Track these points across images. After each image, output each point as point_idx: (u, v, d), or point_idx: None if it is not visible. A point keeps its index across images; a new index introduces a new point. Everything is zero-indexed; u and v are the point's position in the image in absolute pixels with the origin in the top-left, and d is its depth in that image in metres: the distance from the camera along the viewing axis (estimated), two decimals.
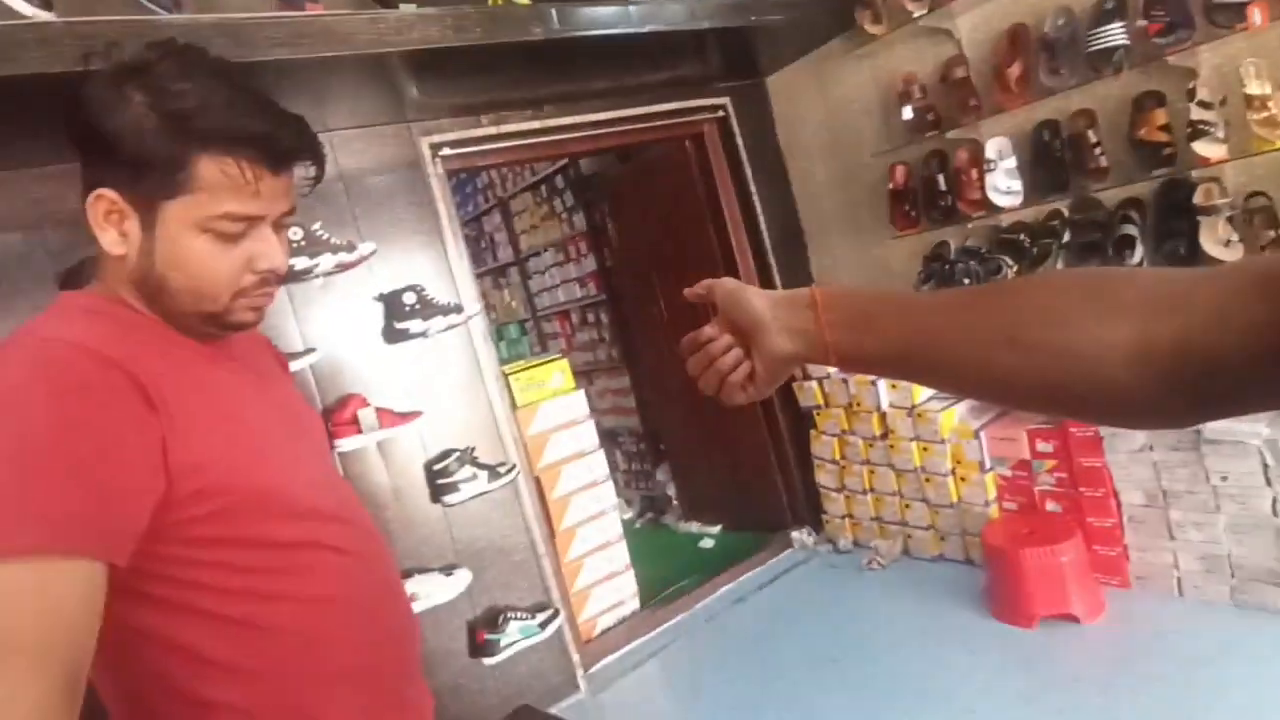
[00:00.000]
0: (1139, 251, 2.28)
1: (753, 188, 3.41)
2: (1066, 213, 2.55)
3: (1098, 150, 2.39)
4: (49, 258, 2.03)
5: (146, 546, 0.68)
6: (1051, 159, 2.49)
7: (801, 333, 0.67)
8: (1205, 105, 2.11)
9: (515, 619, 2.55)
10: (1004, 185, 2.56)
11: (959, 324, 0.58)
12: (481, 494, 2.53)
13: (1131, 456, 2.37)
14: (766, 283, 3.48)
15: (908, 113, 2.80)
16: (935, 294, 0.66)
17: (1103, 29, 2.22)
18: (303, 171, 0.83)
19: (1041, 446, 2.61)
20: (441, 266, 2.63)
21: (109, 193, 0.75)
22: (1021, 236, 2.61)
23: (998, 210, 2.61)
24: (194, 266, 0.76)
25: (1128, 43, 2.21)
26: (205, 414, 0.74)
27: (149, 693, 0.74)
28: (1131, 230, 2.31)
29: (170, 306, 0.79)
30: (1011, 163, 2.57)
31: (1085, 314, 0.51)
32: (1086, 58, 2.30)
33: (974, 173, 2.67)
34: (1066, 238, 2.52)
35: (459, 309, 2.56)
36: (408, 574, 2.41)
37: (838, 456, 3.28)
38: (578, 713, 2.62)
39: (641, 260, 4.00)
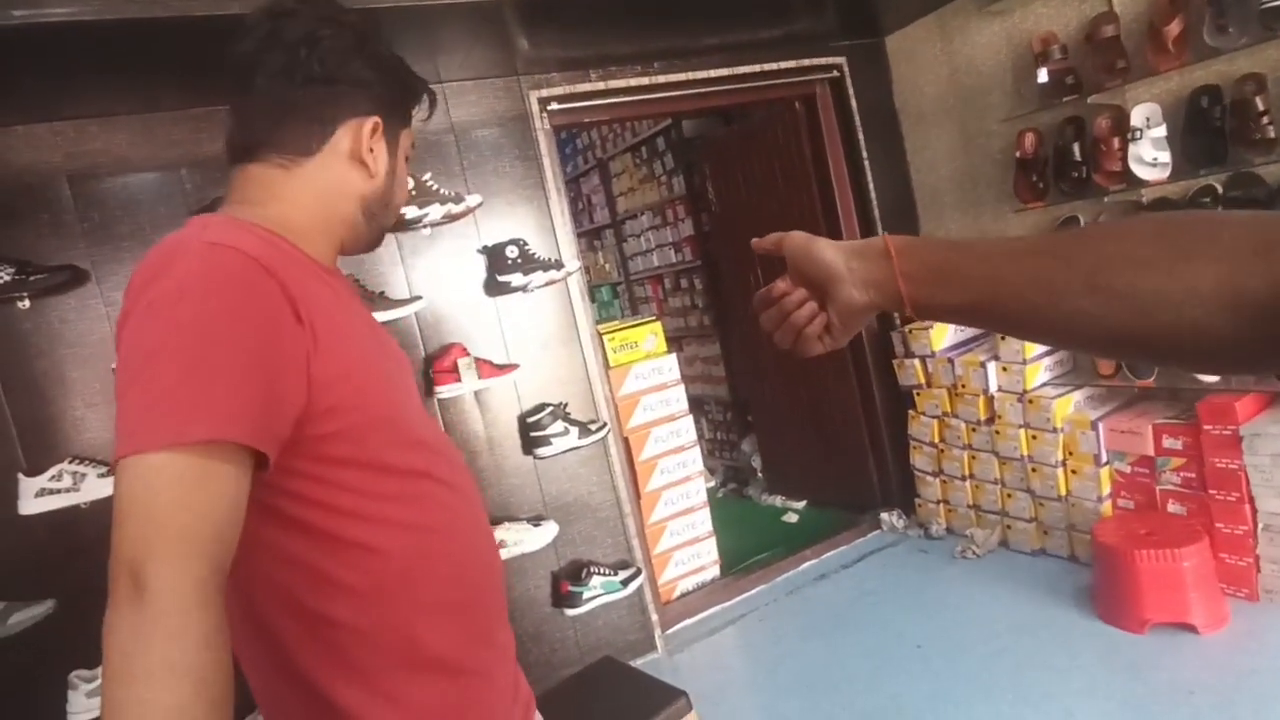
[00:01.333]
0: None
1: (864, 154, 3.26)
2: (1220, 189, 2.31)
3: (1265, 120, 2.14)
4: (184, 196, 2.15)
5: (280, 459, 0.70)
6: (1209, 128, 2.26)
7: (876, 284, 0.66)
8: None
9: (598, 574, 2.58)
10: (1150, 156, 2.34)
11: (1037, 271, 0.56)
12: (572, 449, 2.56)
13: (1275, 461, 2.15)
14: None
15: (1043, 75, 2.59)
16: (1012, 240, 0.61)
17: None
18: None
19: (1169, 443, 2.41)
20: (544, 222, 2.65)
21: (379, 120, 0.87)
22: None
23: (1140, 184, 2.40)
24: (404, 186, 0.95)
25: None
26: (336, 335, 0.77)
27: (262, 600, 0.76)
28: None
29: (377, 221, 0.92)
30: (1160, 131, 2.34)
31: (1173, 258, 0.49)
32: (1260, 15, 2.06)
33: (1115, 142, 2.45)
34: None
35: (559, 265, 2.57)
36: (497, 521, 2.48)
37: (936, 439, 3.14)
38: (654, 670, 2.63)
39: (740, 227, 3.91)
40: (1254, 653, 2.10)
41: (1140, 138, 2.35)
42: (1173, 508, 2.44)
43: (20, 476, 1.90)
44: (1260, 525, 2.24)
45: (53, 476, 1.90)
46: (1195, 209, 2.17)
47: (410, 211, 2.35)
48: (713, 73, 2.94)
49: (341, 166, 0.86)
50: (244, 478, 0.66)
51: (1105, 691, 2.06)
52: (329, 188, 0.86)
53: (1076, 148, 2.61)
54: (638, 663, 2.70)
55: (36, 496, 1.88)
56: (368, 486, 0.77)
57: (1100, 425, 2.59)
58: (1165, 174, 2.35)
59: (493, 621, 0.90)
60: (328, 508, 0.75)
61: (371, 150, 0.87)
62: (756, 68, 3.01)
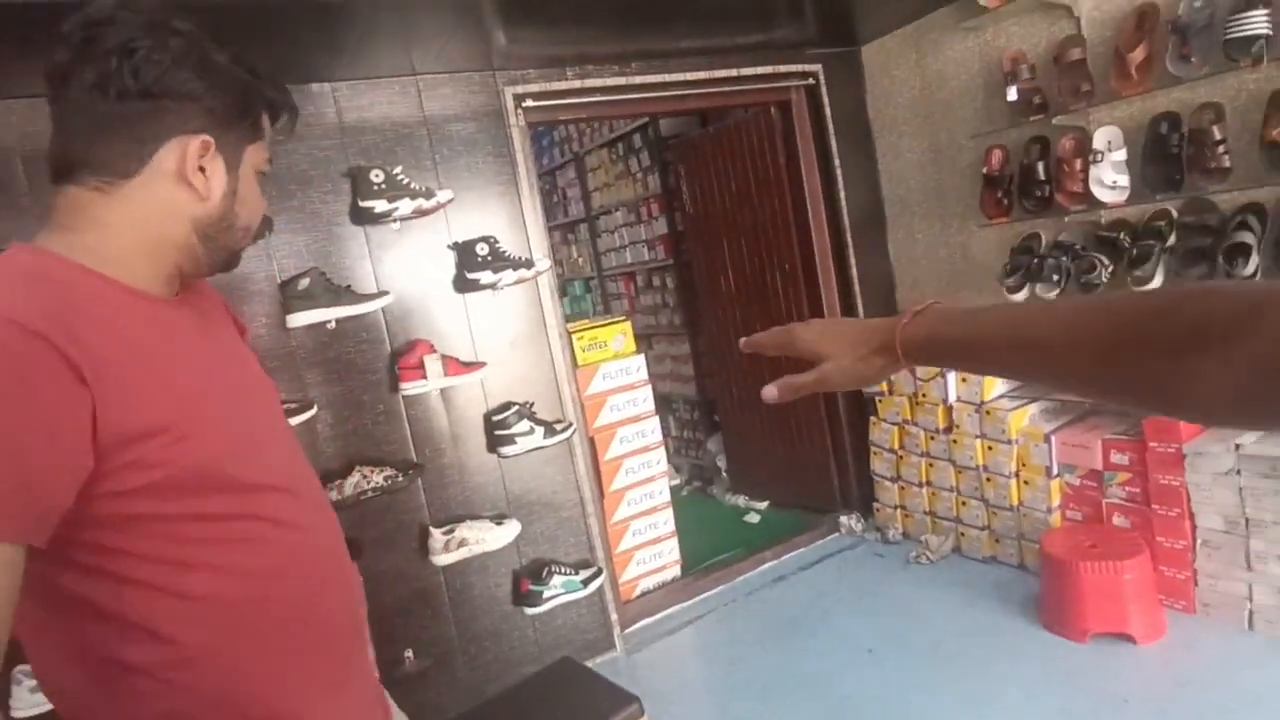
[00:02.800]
0: (1253, 262, 2.12)
1: (836, 161, 3.29)
2: (1175, 214, 2.38)
3: (1221, 148, 2.21)
4: None
5: (74, 517, 0.67)
6: (1167, 154, 2.32)
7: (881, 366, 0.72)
8: None
9: (559, 573, 2.60)
10: (1109, 179, 2.40)
11: (1053, 357, 0.56)
12: (537, 449, 2.57)
13: (1216, 479, 2.24)
14: (841, 261, 3.38)
15: (1012, 94, 2.64)
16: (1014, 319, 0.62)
17: (1245, 15, 2.03)
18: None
19: (1116, 458, 2.49)
20: (515, 220, 2.64)
21: (208, 138, 0.80)
22: (1121, 235, 2.45)
23: (1099, 205, 2.46)
24: (254, 205, 0.88)
25: (1271, 32, 2.02)
26: (146, 383, 0.72)
27: (75, 655, 0.74)
28: (1248, 238, 2.14)
29: (223, 242, 0.86)
30: (1121, 155, 2.40)
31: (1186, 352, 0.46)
32: (1222, 45, 2.12)
33: (1078, 163, 2.51)
34: (1171, 241, 2.36)
35: (529, 264, 2.57)
36: (459, 519, 2.48)
37: (896, 446, 3.21)
38: (611, 670, 2.67)
39: (714, 227, 3.94)
40: (1188, 664, 2.18)
41: (1101, 160, 2.42)
42: (1118, 521, 2.52)
43: None
44: (1199, 540, 2.32)
45: None
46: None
47: (379, 205, 2.33)
48: (690, 75, 2.94)
49: (167, 188, 0.79)
50: (9, 564, 0.63)
51: (1045, 698, 2.13)
52: (153, 212, 0.79)
53: (1041, 167, 2.67)
54: (596, 661, 2.72)
55: None
56: (185, 534, 0.74)
57: (1053, 438, 2.66)
58: (1124, 197, 2.41)
59: (343, 667, 0.87)
60: (138, 556, 0.71)
61: (202, 170, 0.80)
62: (734, 72, 3.02)
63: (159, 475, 0.71)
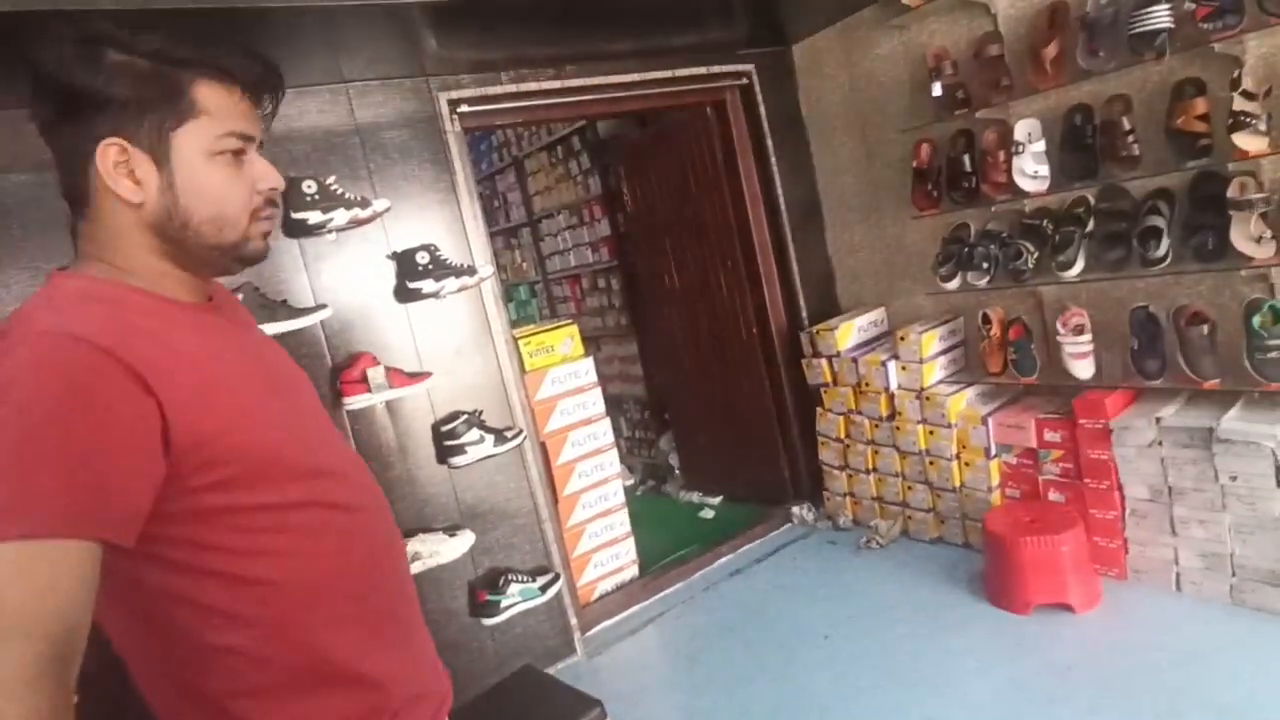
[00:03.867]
0: (1164, 244, 2.24)
1: (773, 159, 3.35)
2: (1093, 201, 2.50)
3: (1130, 138, 2.33)
4: (58, 198, 2.00)
5: (156, 519, 0.71)
6: (1081, 144, 2.43)
7: None
8: (1249, 96, 2.05)
9: (516, 581, 2.58)
10: (1031, 169, 2.51)
11: None
12: (487, 457, 2.54)
13: (1140, 451, 2.36)
14: (782, 256, 3.44)
15: (937, 89, 2.73)
16: None
17: (1147, 10, 2.14)
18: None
19: (1050, 436, 2.60)
20: (455, 227, 2.60)
21: (117, 140, 0.76)
22: (1044, 223, 2.56)
23: (1022, 195, 2.56)
24: (214, 192, 0.80)
25: (1172, 26, 2.13)
26: (204, 387, 0.76)
27: (160, 641, 0.78)
28: (1159, 222, 2.26)
29: (192, 244, 0.81)
30: (1040, 146, 2.51)
31: None
32: (1128, 40, 2.23)
33: (1001, 155, 2.61)
34: (1090, 226, 2.47)
35: (472, 271, 2.54)
36: (411, 533, 2.43)
37: (842, 435, 3.28)
38: (573, 674, 2.67)
39: (655, 228, 3.96)
40: (1123, 629, 2.29)
41: (1022, 152, 2.52)
42: (1053, 496, 2.63)
43: None
44: (1128, 510, 2.44)
45: None
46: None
47: (313, 216, 2.27)
48: (625, 77, 2.95)
49: (110, 202, 0.78)
50: (82, 561, 0.66)
51: (995, 671, 2.21)
52: (119, 230, 0.79)
53: (967, 159, 2.76)
54: (557, 667, 2.71)
55: None
56: (254, 525, 0.77)
57: (990, 420, 2.76)
58: (1045, 186, 2.52)
59: (404, 627, 0.92)
60: (215, 549, 0.76)
61: (130, 174, 0.77)
62: (668, 73, 3.05)
63: (227, 472, 0.75)
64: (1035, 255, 2.56)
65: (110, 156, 0.76)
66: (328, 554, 0.83)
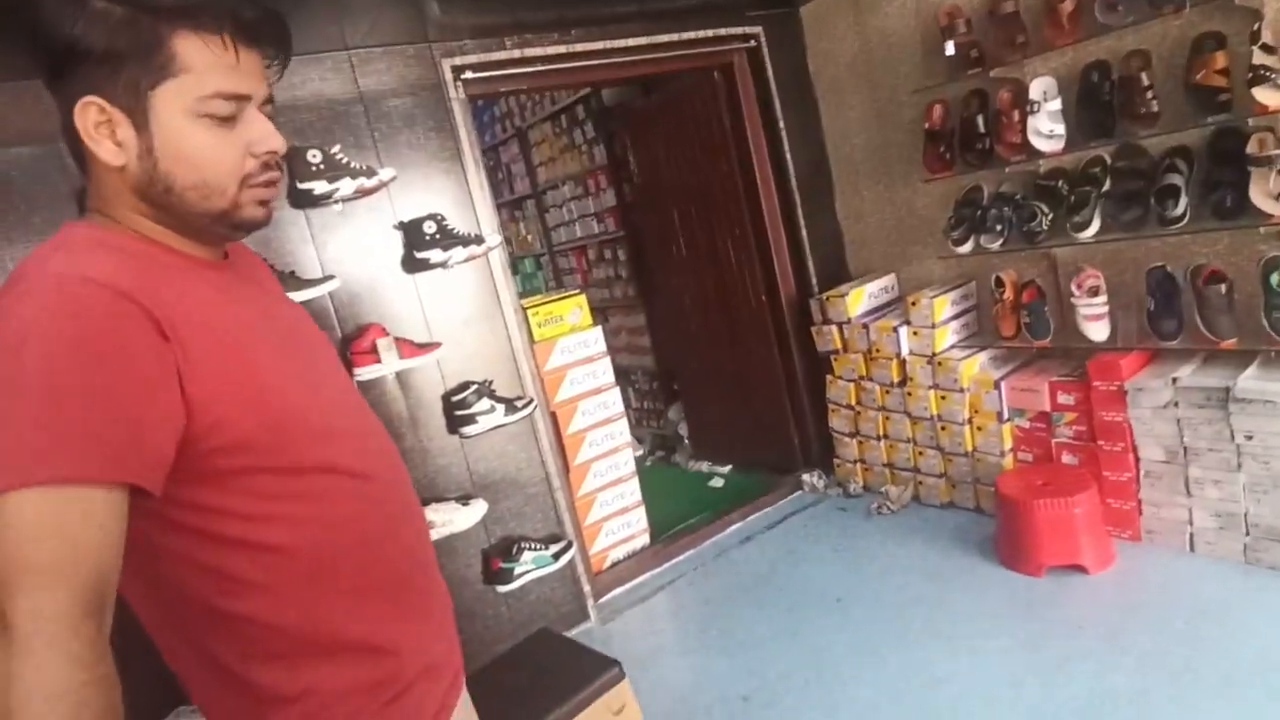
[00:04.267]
0: (1182, 202, 2.20)
1: (781, 123, 3.30)
2: (1109, 160, 2.46)
3: (1149, 94, 2.28)
4: (64, 172, 1.99)
5: (171, 478, 0.70)
6: (1099, 102, 2.39)
7: None
8: (1269, 49, 2.00)
9: (529, 549, 2.59)
10: (1046, 129, 2.46)
11: None
12: (498, 427, 2.54)
13: (1155, 412, 2.34)
14: (790, 223, 3.41)
15: (950, 48, 2.68)
16: None
17: None
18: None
19: (1063, 399, 2.59)
20: (462, 195, 2.58)
21: (95, 99, 0.72)
22: (1060, 184, 2.52)
23: (1038, 155, 2.52)
24: (197, 156, 0.75)
25: None
26: (216, 344, 0.73)
27: (174, 604, 0.78)
28: (1177, 180, 2.22)
29: (180, 211, 0.77)
30: (1056, 105, 2.46)
31: None
32: None
33: (1015, 114, 2.57)
34: (1107, 186, 2.43)
35: (479, 240, 2.52)
36: (425, 502, 2.44)
37: (853, 402, 3.27)
38: (587, 640, 2.68)
39: (662, 196, 3.92)
40: (1136, 589, 2.30)
41: (1038, 111, 2.47)
42: (1066, 459, 2.63)
43: None
44: (1142, 472, 2.44)
45: None
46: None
47: (319, 186, 2.25)
48: (631, 41, 2.90)
49: (97, 164, 0.75)
50: (111, 507, 0.64)
51: (1007, 631, 2.22)
52: (113, 193, 0.77)
53: (980, 120, 2.72)
54: (571, 633, 2.73)
55: None
56: (266, 490, 0.76)
57: (1002, 384, 2.75)
58: (1060, 146, 2.48)
59: (420, 597, 0.91)
60: (227, 514, 0.74)
61: (112, 135, 0.73)
62: (674, 36, 2.99)
63: (240, 431, 0.73)
64: (1050, 216, 2.52)
65: (90, 116, 0.73)
66: (341, 521, 0.81)
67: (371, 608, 0.84)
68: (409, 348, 2.40)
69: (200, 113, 0.74)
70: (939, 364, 2.89)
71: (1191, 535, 2.37)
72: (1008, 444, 2.79)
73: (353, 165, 2.30)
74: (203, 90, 0.73)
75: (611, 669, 1.52)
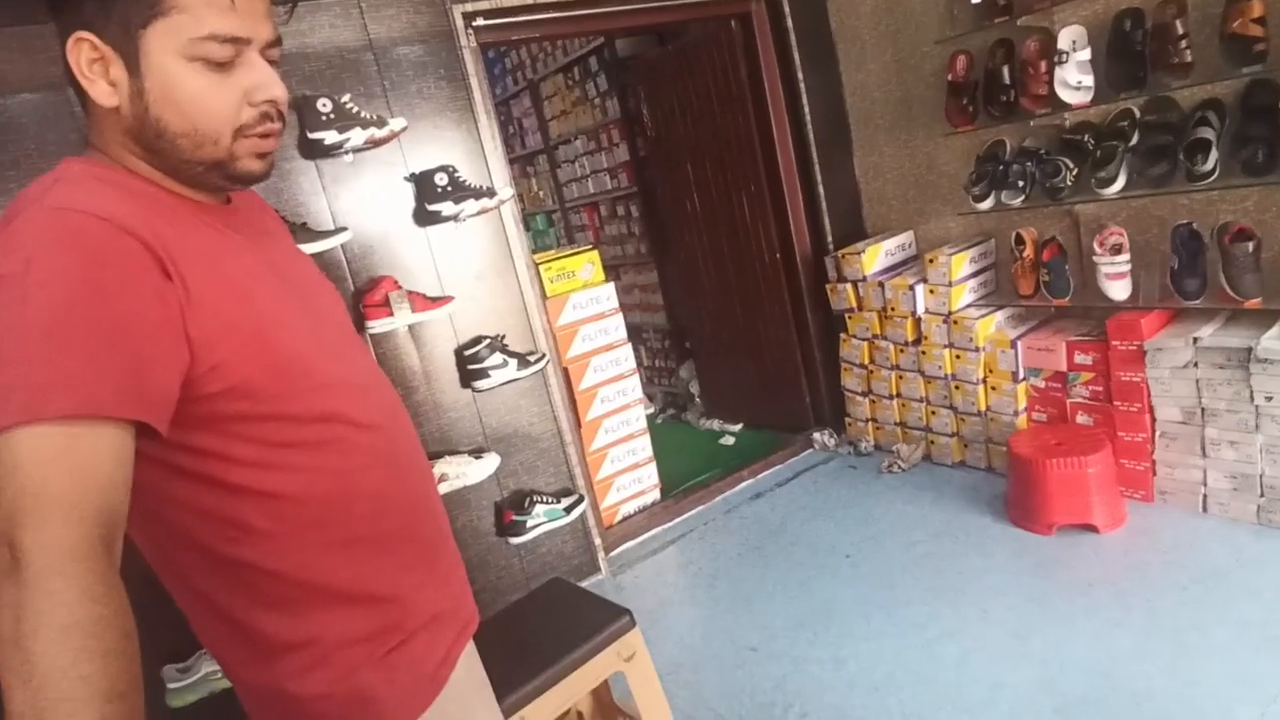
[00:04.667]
0: (1212, 157, 2.14)
1: (800, 75, 3.22)
2: (1138, 113, 2.39)
3: (1183, 44, 2.20)
4: (74, 118, 1.98)
5: (175, 422, 0.68)
6: (1130, 52, 2.31)
7: None
8: None
9: (541, 502, 2.62)
10: (1074, 80, 2.39)
11: None
12: (511, 381, 2.55)
13: (1174, 373, 2.31)
14: (807, 179, 3.35)
15: None
16: None
17: None
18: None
19: (1080, 359, 2.56)
20: (474, 147, 2.54)
21: (87, 35, 0.70)
22: (1086, 137, 2.46)
23: (1064, 108, 2.45)
24: (189, 103, 0.72)
25: None
26: (216, 285, 0.71)
27: (179, 550, 0.78)
28: (1208, 134, 2.16)
29: (172, 158, 0.75)
30: (1085, 55, 2.38)
31: None
32: None
33: (1042, 65, 2.49)
34: (1134, 140, 2.37)
35: (491, 193, 2.49)
36: (438, 455, 2.47)
37: (866, 361, 3.25)
38: (598, 591, 2.72)
39: (677, 150, 3.86)
40: (1146, 548, 2.30)
41: (1066, 61, 2.39)
42: (1081, 419, 2.61)
43: None
44: (1158, 433, 2.42)
45: None
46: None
47: (330, 136, 2.22)
48: None
49: (92, 102, 0.73)
50: (120, 444, 0.64)
51: (1015, 588, 2.24)
52: (110, 134, 0.75)
53: (1006, 71, 2.64)
54: (583, 585, 2.77)
55: None
56: (269, 437, 0.75)
57: (1019, 344, 2.72)
58: (1088, 98, 2.40)
59: (426, 549, 0.90)
60: (230, 460, 0.74)
61: (102, 74, 0.71)
62: None
63: (246, 373, 0.72)
64: (1074, 172, 2.46)
65: (83, 53, 0.71)
66: (344, 470, 0.80)
67: (376, 558, 0.83)
68: (421, 301, 2.39)
69: (193, 55, 0.71)
70: (955, 322, 2.86)
71: (1205, 496, 2.36)
72: (1022, 404, 2.77)
73: (363, 115, 2.26)
74: (197, 31, 0.70)
75: (622, 617, 1.54)
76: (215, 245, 0.76)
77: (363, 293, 2.34)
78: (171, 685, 1.99)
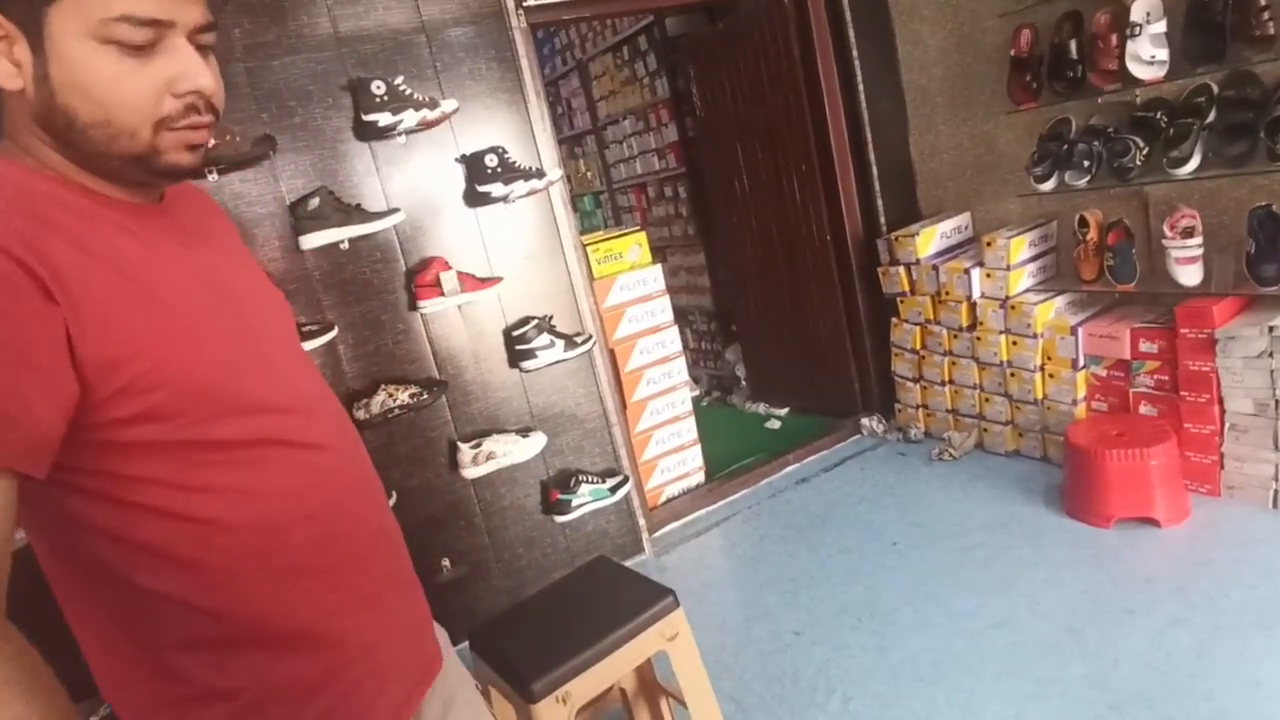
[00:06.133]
0: None
1: (854, 52, 3.14)
2: (1216, 89, 2.26)
3: (1265, 14, 2.07)
4: None
5: (74, 447, 0.63)
6: (1209, 23, 2.18)
7: None
8: None
9: (586, 482, 2.65)
10: (1147, 54, 2.27)
11: None
12: (558, 362, 2.57)
13: (1247, 363, 2.21)
14: (860, 159, 3.28)
15: None
16: None
17: None
18: None
19: (1145, 347, 2.46)
20: (523, 128, 2.55)
21: None
22: (1158, 115, 2.34)
23: (1135, 83, 2.34)
24: (99, 90, 0.64)
25: None
26: (122, 300, 0.64)
27: (93, 581, 0.70)
28: None
29: (85, 150, 0.67)
30: (1160, 27, 2.26)
31: None
32: None
33: (1113, 38, 2.37)
34: (1211, 117, 2.25)
35: (540, 174, 2.50)
36: (485, 433, 2.51)
37: (918, 346, 3.18)
38: (641, 571, 2.75)
39: (725, 131, 3.81)
40: (1211, 544, 2.21)
41: (1139, 34, 2.28)
42: (1144, 409, 2.51)
43: None
44: (1227, 425, 2.32)
45: None
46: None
47: (384, 119, 2.26)
48: None
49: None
50: (3, 490, 0.60)
51: (1069, 580, 2.18)
52: (17, 120, 0.67)
53: (1073, 45, 2.52)
54: (626, 564, 2.80)
55: None
56: (187, 458, 0.68)
57: (1080, 330, 2.62)
58: (1162, 73, 2.29)
59: (377, 581, 0.82)
60: (145, 482, 0.67)
61: (5, 52, 0.64)
62: None
63: (156, 400, 0.65)
64: (1145, 151, 2.35)
65: None
66: (283, 494, 0.73)
67: (316, 592, 0.75)
68: (471, 281, 2.43)
69: (105, 37, 0.63)
70: (1012, 307, 2.77)
71: (1276, 492, 2.25)
72: (1081, 392, 2.68)
73: (416, 97, 2.29)
74: (107, 11, 0.62)
75: (666, 597, 1.55)
76: (129, 253, 0.68)
77: (414, 273, 2.39)
78: None
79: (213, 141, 1.87)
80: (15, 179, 0.66)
